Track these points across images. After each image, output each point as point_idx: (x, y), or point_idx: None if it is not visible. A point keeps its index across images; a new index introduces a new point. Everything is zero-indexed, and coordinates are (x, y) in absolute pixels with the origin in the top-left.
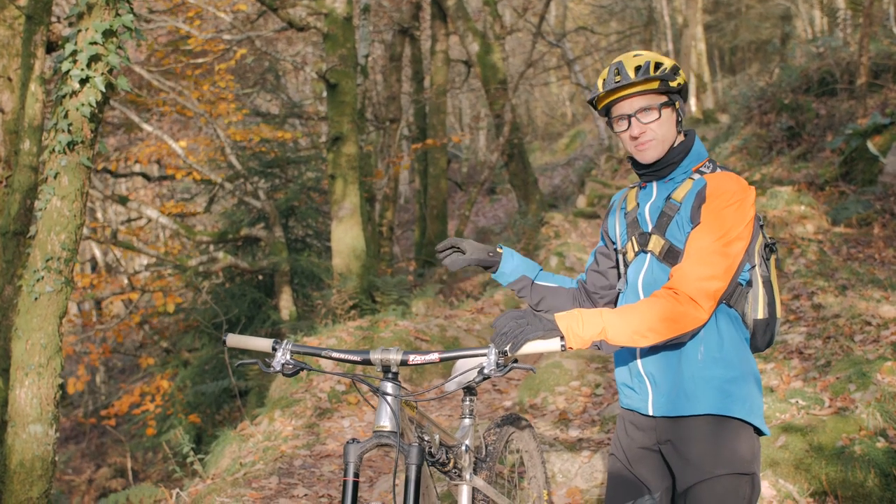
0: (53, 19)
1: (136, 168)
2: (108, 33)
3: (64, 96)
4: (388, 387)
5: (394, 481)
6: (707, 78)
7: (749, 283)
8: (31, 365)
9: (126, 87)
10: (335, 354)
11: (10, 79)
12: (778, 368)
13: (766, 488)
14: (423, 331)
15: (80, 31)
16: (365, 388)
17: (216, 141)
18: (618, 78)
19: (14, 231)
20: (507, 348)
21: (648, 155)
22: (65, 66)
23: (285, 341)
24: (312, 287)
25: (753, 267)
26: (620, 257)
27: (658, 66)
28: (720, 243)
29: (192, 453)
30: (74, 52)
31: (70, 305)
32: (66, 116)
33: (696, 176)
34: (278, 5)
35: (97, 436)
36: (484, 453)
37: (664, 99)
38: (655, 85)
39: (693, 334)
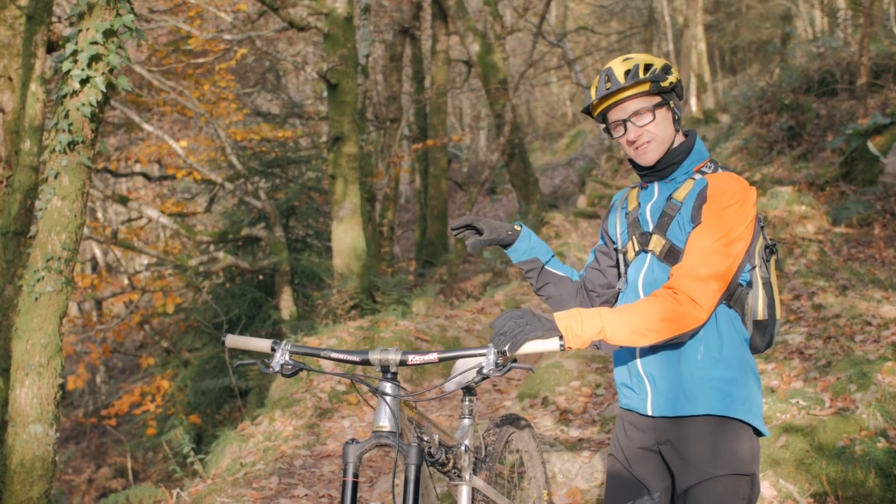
0: (54, 19)
1: (137, 168)
2: (109, 33)
3: (64, 96)
4: (388, 387)
5: (393, 481)
6: (707, 78)
7: (749, 284)
8: (31, 365)
9: (127, 87)
10: (334, 355)
11: (10, 79)
12: (778, 369)
13: (767, 488)
14: (423, 331)
15: (80, 30)
16: (364, 388)
17: (217, 141)
18: (608, 84)
19: (14, 231)
20: (506, 348)
21: (648, 157)
22: (65, 65)
23: (284, 342)
24: (313, 287)
25: (754, 268)
26: (621, 257)
27: (648, 67)
28: (721, 243)
29: (192, 453)
30: (75, 52)
31: (70, 305)
32: (66, 116)
33: (698, 176)
34: (279, 5)
35: (97, 436)
36: (483, 453)
37: (657, 99)
38: (646, 87)
39: (692, 334)
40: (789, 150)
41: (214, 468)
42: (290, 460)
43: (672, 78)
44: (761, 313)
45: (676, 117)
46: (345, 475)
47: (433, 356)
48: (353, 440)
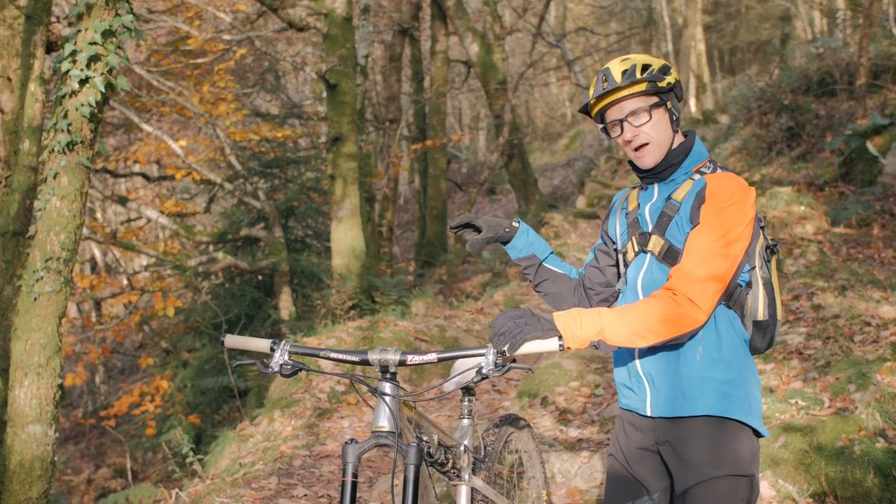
0: (53, 19)
1: (136, 168)
2: (108, 33)
3: (63, 96)
4: (387, 387)
5: (392, 481)
6: (707, 78)
7: (749, 285)
8: (30, 365)
9: (126, 87)
10: (333, 355)
11: (9, 79)
12: (778, 369)
13: (766, 488)
14: (422, 331)
15: (79, 31)
16: (363, 388)
17: (216, 141)
18: (605, 84)
19: (13, 231)
20: (506, 348)
21: (647, 160)
22: (64, 66)
23: (283, 342)
24: (312, 287)
25: (753, 268)
26: (620, 257)
27: (645, 67)
28: (720, 244)
29: (191, 453)
30: (74, 53)
31: (69, 306)
32: (65, 116)
33: (697, 176)
34: (278, 5)
35: (96, 436)
36: (483, 453)
37: (655, 100)
38: (643, 87)
39: (691, 335)
40: (788, 150)
41: (213, 468)
42: (289, 460)
43: (670, 78)
44: (762, 314)
45: (675, 118)
46: (344, 475)
47: (432, 356)
48: (352, 440)
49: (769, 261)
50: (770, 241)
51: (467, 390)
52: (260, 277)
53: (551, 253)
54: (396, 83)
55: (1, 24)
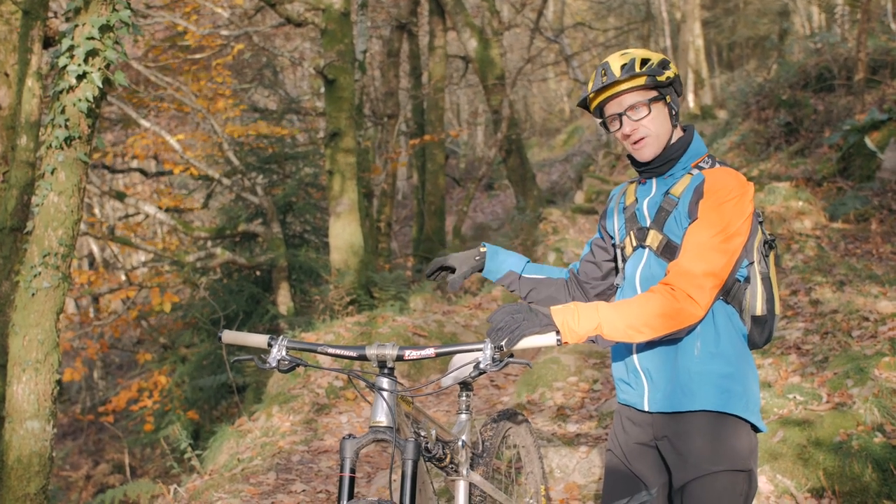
0: (50, 14)
1: (134, 164)
2: (105, 28)
3: (61, 92)
4: (384, 382)
5: (390, 477)
6: (705, 74)
7: (747, 280)
8: (28, 361)
9: (123, 83)
10: (331, 350)
11: (6, 74)
12: (776, 364)
13: (764, 483)
14: (420, 326)
15: (76, 26)
16: (361, 383)
17: (214, 137)
18: (604, 78)
19: (11, 227)
20: (504, 343)
21: (645, 153)
22: (62, 61)
23: (281, 337)
24: (310, 283)
25: (752, 263)
26: (619, 252)
27: (644, 62)
28: (718, 239)
29: (189, 449)
30: (71, 48)
31: (67, 301)
32: (63, 112)
33: (695, 171)
34: (276, 1)
35: (95, 432)
36: (481, 449)
37: (654, 94)
38: (643, 81)
39: (689, 330)
40: (786, 145)
41: (212, 464)
42: (287, 456)
43: (669, 73)
44: (760, 309)
45: (674, 112)
46: (342, 470)
47: (430, 351)
48: (350, 435)
49: (767, 256)
50: (768, 236)
51: (465, 385)
52: (258, 273)
53: (528, 262)
54: (394, 78)
55: None
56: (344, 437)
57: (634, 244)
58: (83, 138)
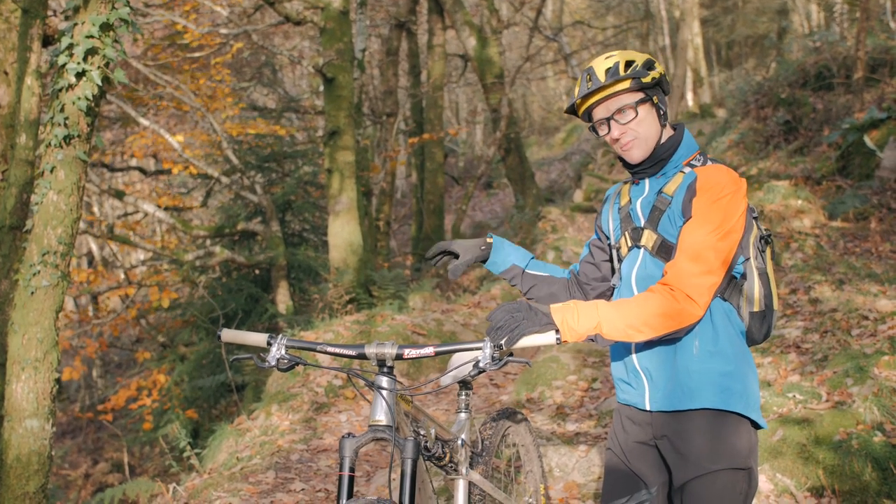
0: (50, 13)
1: (133, 162)
2: (105, 27)
3: (60, 90)
4: (384, 381)
5: (389, 476)
6: (704, 72)
7: (744, 276)
8: (27, 360)
9: (123, 80)
10: (330, 349)
11: (6, 72)
12: (775, 362)
13: (764, 482)
14: (420, 325)
15: (76, 24)
16: (360, 382)
17: (213, 135)
18: (590, 83)
19: (10, 225)
20: (503, 342)
21: (634, 154)
22: (61, 59)
23: (280, 336)
24: (309, 281)
25: (748, 259)
26: (614, 252)
27: (629, 64)
28: (713, 237)
29: (188, 448)
30: (71, 46)
31: (66, 300)
32: (62, 110)
33: (687, 169)
34: None
35: (94, 431)
36: (480, 448)
37: (640, 96)
38: (627, 84)
39: (688, 330)
40: (786, 144)
41: (211, 463)
42: (286, 455)
43: (655, 73)
44: (757, 304)
45: (662, 112)
46: (341, 469)
47: (429, 350)
48: (349, 434)
49: (763, 251)
50: (764, 231)
51: (464, 384)
52: (257, 272)
53: (532, 258)
54: (393, 77)
55: None
56: (343, 436)
57: (630, 244)
58: (82, 137)
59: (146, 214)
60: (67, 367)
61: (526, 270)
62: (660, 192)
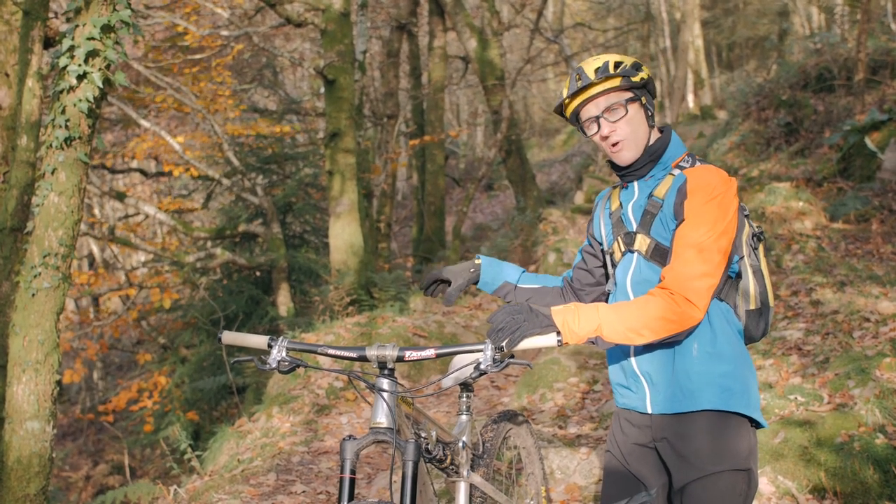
0: (51, 15)
1: (134, 164)
2: (106, 29)
3: (61, 92)
4: (385, 383)
5: (391, 478)
6: (705, 74)
7: (738, 275)
8: (28, 361)
9: (124, 83)
10: (331, 351)
11: (7, 74)
12: (777, 364)
13: (766, 485)
14: (421, 327)
15: (77, 26)
16: (361, 384)
17: (214, 137)
18: (579, 81)
19: (11, 227)
20: (504, 344)
21: (625, 156)
22: (62, 61)
23: (281, 338)
24: (310, 283)
25: (742, 258)
26: (608, 258)
27: (618, 64)
28: (708, 239)
29: (189, 450)
30: (72, 48)
31: (67, 302)
32: (63, 112)
33: (676, 171)
34: (276, 1)
35: (94, 432)
36: (481, 450)
37: (629, 95)
38: (617, 82)
39: (688, 333)
40: (787, 146)
41: (212, 465)
42: (287, 457)
43: (643, 74)
44: (753, 302)
45: (650, 114)
46: (342, 472)
47: (430, 352)
48: (350, 437)
49: (756, 248)
50: (756, 229)
51: (465, 386)
52: (258, 274)
53: (523, 272)
54: (394, 79)
55: None
56: (344, 439)
57: (623, 249)
58: (83, 138)
59: (147, 216)
60: (68, 369)
61: (518, 285)
62: (650, 195)
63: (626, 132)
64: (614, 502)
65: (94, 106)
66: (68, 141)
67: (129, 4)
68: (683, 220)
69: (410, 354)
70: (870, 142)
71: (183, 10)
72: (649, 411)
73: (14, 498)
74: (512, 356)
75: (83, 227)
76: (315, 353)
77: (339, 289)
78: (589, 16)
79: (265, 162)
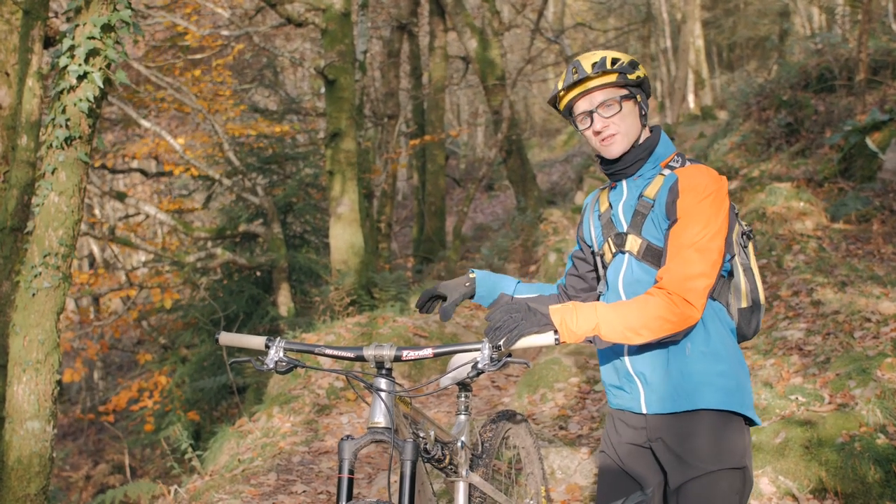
0: (51, 14)
1: (134, 164)
2: (106, 28)
3: (61, 91)
4: (382, 383)
5: (389, 478)
6: (705, 74)
7: (730, 274)
8: (28, 361)
9: (124, 81)
10: (328, 351)
11: (7, 74)
12: (778, 364)
13: (766, 485)
14: (421, 327)
15: (77, 25)
16: (360, 384)
17: (214, 137)
18: (576, 75)
19: (11, 227)
20: (502, 343)
21: (614, 149)
22: (62, 61)
23: (278, 339)
24: (310, 283)
25: (733, 257)
26: (598, 259)
27: (615, 60)
28: (702, 238)
29: (190, 450)
30: (72, 48)
31: (68, 302)
32: (63, 112)
33: (667, 171)
34: (276, 1)
35: (95, 432)
36: (480, 450)
37: (624, 92)
38: (613, 78)
39: (685, 333)
40: (787, 146)
41: (212, 465)
42: (287, 457)
43: (639, 73)
44: (745, 301)
45: (643, 112)
46: (340, 472)
47: (427, 352)
48: (348, 437)
49: (745, 247)
50: (745, 227)
51: (464, 386)
52: (258, 274)
53: (518, 283)
54: (395, 79)
55: None
56: (342, 439)
57: (614, 250)
58: (84, 138)
59: (147, 216)
60: (68, 369)
61: (514, 296)
62: (640, 195)
63: (618, 128)
64: (611, 502)
65: (94, 105)
66: (68, 140)
67: (130, 4)
68: (676, 219)
69: (408, 354)
70: (871, 142)
71: (183, 10)
72: (644, 411)
73: (14, 498)
74: (510, 355)
75: (83, 226)
76: (312, 353)
77: (339, 289)
78: (590, 16)
79: (266, 162)
